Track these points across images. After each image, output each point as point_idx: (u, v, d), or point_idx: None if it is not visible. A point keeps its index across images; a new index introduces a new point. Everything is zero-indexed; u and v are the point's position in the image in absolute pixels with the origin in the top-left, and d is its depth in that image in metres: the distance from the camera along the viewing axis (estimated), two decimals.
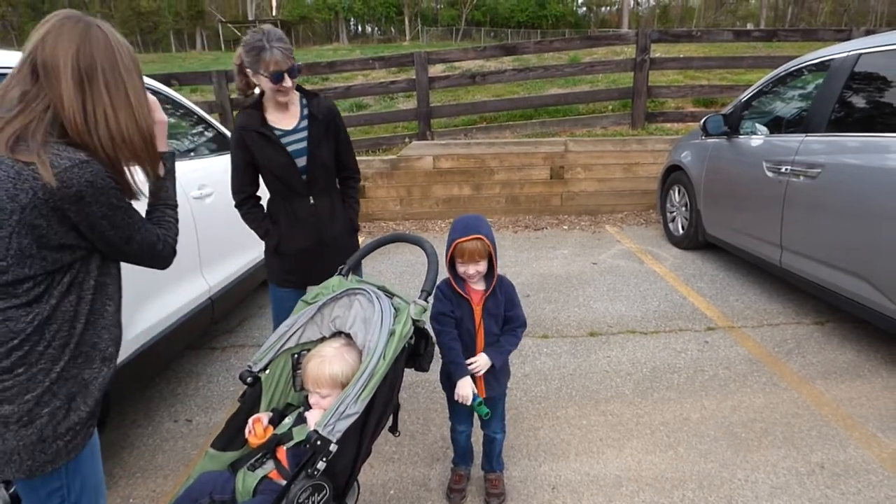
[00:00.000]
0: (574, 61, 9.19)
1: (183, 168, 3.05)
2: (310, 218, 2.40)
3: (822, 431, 2.70)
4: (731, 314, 4.12)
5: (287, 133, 2.32)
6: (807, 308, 4.15)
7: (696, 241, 5.39)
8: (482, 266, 1.98)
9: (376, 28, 51.36)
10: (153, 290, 2.67)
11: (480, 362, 2.02)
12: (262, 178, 2.40)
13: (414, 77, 7.11)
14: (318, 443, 1.40)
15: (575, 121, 7.59)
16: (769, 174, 4.10)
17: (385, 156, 6.91)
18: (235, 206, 2.43)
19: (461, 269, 1.98)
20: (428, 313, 1.71)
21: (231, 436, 1.72)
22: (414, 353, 1.66)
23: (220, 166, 3.44)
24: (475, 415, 2.12)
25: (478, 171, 6.68)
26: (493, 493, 2.29)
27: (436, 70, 7.47)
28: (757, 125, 4.58)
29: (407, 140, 7.07)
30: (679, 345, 3.67)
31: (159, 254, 1.41)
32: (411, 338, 1.62)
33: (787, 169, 3.86)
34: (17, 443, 1.21)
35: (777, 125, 4.44)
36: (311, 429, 1.55)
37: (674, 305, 4.31)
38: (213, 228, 3.26)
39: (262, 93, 2.31)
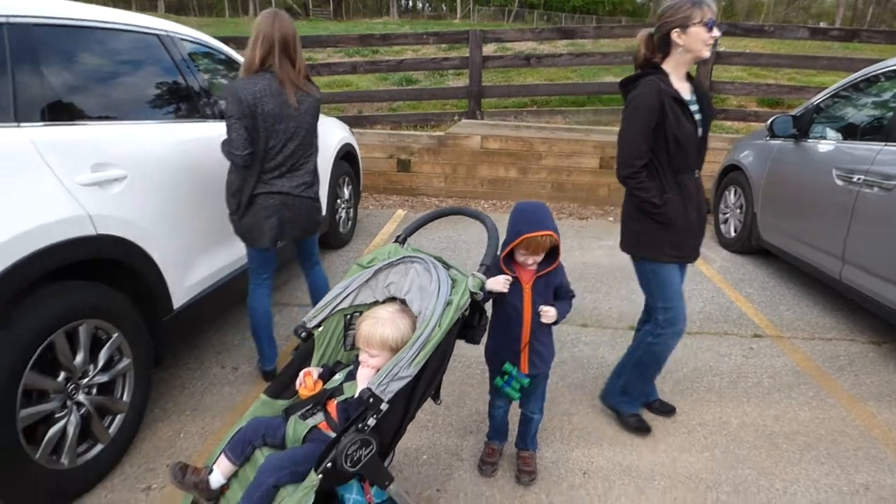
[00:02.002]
0: (632, 50, 8.95)
1: None
2: (696, 191, 2.38)
3: (869, 453, 2.61)
4: (780, 323, 4.00)
5: (689, 102, 2.27)
6: (863, 325, 3.99)
7: (748, 245, 5.23)
8: (541, 257, 2.00)
9: (427, 4, 50.86)
10: (212, 242, 2.76)
11: (549, 311, 2.03)
12: (655, 148, 2.25)
13: (467, 55, 7.04)
14: (371, 400, 1.44)
15: None
16: (838, 182, 3.91)
17: (433, 132, 6.90)
18: (627, 176, 2.29)
19: (521, 258, 1.99)
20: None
21: (283, 385, 1.79)
22: (467, 325, 1.68)
23: None
24: (522, 388, 2.12)
25: (525, 154, 6.62)
26: (525, 471, 2.31)
27: (488, 49, 7.36)
28: (828, 130, 4.38)
29: (456, 118, 7.03)
30: (723, 348, 3.59)
31: None
32: (466, 310, 1.64)
33: (859, 178, 3.68)
34: None
35: (852, 132, 4.23)
36: (361, 387, 1.61)
37: (720, 308, 4.20)
38: None
39: (660, 61, 2.28)
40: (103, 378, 2.12)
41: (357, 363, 1.75)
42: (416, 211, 6.46)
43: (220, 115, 3.01)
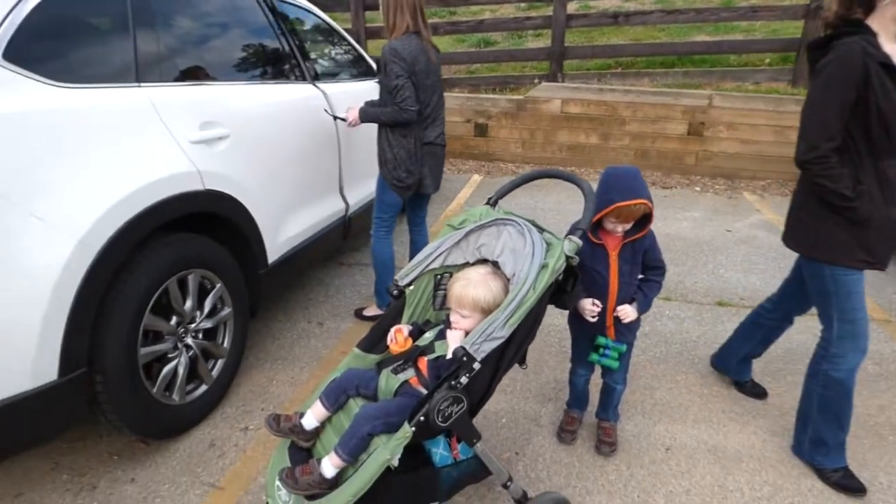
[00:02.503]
0: (728, 5, 8.25)
1: (332, 90, 3.17)
2: None
3: None
4: (890, 307, 3.70)
5: None
6: None
7: None
8: (630, 225, 1.94)
9: None
10: (303, 202, 2.86)
11: (628, 311, 2.00)
12: (850, 127, 1.84)
13: (549, 14, 6.76)
14: (465, 358, 1.47)
15: (724, 73, 6.91)
16: None
17: (511, 95, 6.74)
18: (811, 161, 1.88)
19: (609, 225, 1.93)
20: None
21: (375, 340, 1.85)
22: (560, 290, 1.66)
23: (363, 91, 3.53)
24: (620, 355, 2.12)
25: (608, 119, 6.36)
26: (606, 441, 2.29)
27: (570, 8, 7.02)
28: None
29: (536, 81, 6.82)
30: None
31: None
32: (560, 274, 1.61)
33: None
34: None
35: None
36: (452, 346, 1.63)
37: None
38: (354, 151, 3.39)
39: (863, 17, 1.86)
40: (208, 324, 2.27)
41: (447, 323, 1.77)
42: (493, 177, 6.41)
43: (315, 77, 3.08)
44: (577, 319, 2.12)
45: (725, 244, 4.65)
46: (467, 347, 1.47)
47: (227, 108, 2.34)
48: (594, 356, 2.12)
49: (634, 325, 2.12)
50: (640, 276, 2.08)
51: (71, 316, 1.64)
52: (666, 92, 6.32)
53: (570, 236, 1.60)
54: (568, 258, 1.58)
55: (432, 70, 2.79)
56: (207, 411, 2.34)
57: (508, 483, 1.76)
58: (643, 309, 2.05)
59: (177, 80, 2.16)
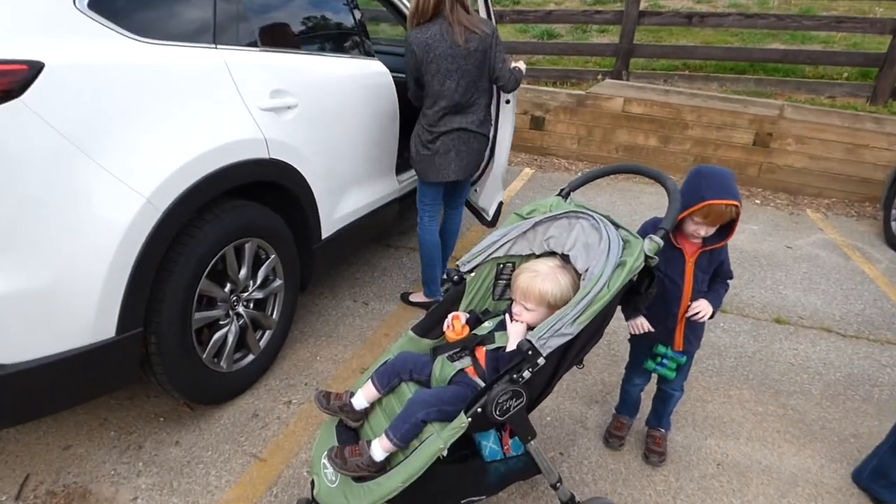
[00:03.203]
0: (808, 13, 7.86)
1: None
2: None
3: None
4: None
5: None
6: None
7: None
8: (714, 230, 1.82)
9: None
10: (360, 180, 2.83)
11: (703, 308, 1.90)
12: None
13: (619, 9, 6.55)
14: (530, 352, 1.40)
15: (798, 84, 6.58)
16: None
17: (572, 90, 6.58)
18: None
19: (692, 227, 1.81)
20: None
21: (430, 325, 1.80)
22: (632, 291, 1.57)
23: None
24: (679, 366, 2.02)
25: (670, 122, 6.14)
26: (655, 451, 2.20)
27: (642, 4, 6.76)
28: None
29: (600, 77, 6.64)
30: (885, 358, 3.18)
31: None
32: (635, 274, 1.53)
33: None
34: None
35: None
36: (513, 339, 1.57)
37: (883, 313, 3.72)
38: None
39: None
40: (259, 294, 2.27)
41: (507, 313, 1.71)
42: (545, 171, 6.28)
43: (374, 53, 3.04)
44: (638, 335, 2.01)
45: (785, 260, 4.44)
46: (534, 341, 1.40)
47: (298, 78, 2.31)
48: (650, 363, 2.02)
49: (700, 332, 2.03)
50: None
51: (132, 275, 1.63)
52: (735, 99, 6.05)
53: (651, 235, 1.51)
54: (647, 258, 1.49)
55: (459, 54, 2.61)
56: (252, 381, 2.34)
57: (558, 484, 1.70)
58: (717, 306, 1.94)
59: (251, 44, 2.14)
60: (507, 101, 3.33)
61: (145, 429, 2.11)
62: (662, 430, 2.24)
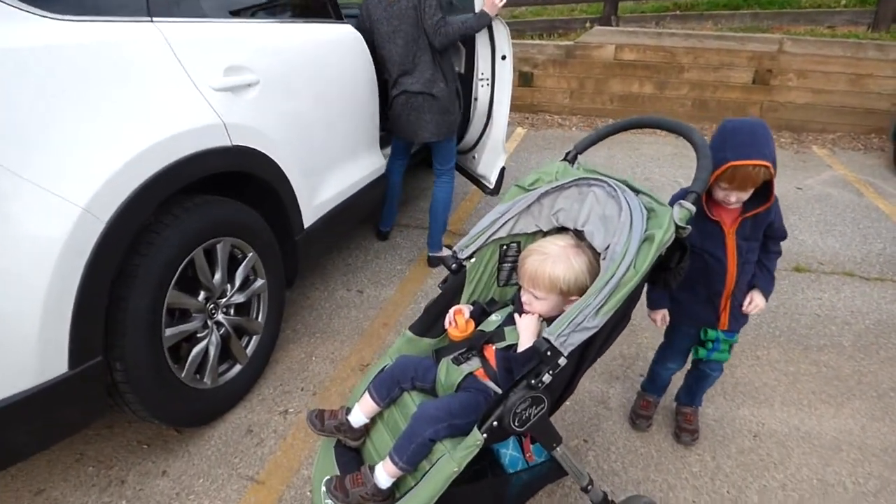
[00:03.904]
0: None
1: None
2: None
3: None
4: None
5: None
6: None
7: None
8: (748, 194, 1.54)
9: None
10: (341, 158, 2.58)
11: (757, 301, 1.70)
12: None
13: None
14: (549, 353, 1.19)
15: (796, 15, 6.26)
16: None
17: (560, 41, 6.23)
18: None
19: (721, 194, 1.55)
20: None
21: (430, 322, 1.58)
22: (661, 266, 1.34)
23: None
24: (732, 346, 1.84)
25: (665, 66, 5.82)
26: (687, 429, 2.03)
27: None
28: None
29: (588, 25, 6.30)
30: None
31: None
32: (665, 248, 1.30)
33: None
34: None
35: None
36: (525, 334, 1.36)
37: None
38: None
39: None
40: (240, 298, 2.05)
41: (516, 303, 1.50)
42: (538, 130, 5.99)
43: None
44: (679, 307, 1.79)
45: (797, 203, 4.23)
46: (552, 339, 1.18)
47: (257, 50, 2.03)
48: (702, 351, 1.82)
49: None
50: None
51: (79, 299, 1.39)
52: (731, 36, 5.73)
53: (681, 201, 1.27)
54: (678, 228, 1.26)
55: (393, 15, 2.66)
56: (243, 393, 2.14)
57: (589, 487, 1.51)
58: (770, 290, 1.73)
59: (196, 15, 1.85)
60: (504, 58, 3.05)
61: (128, 460, 1.90)
62: (694, 406, 2.06)
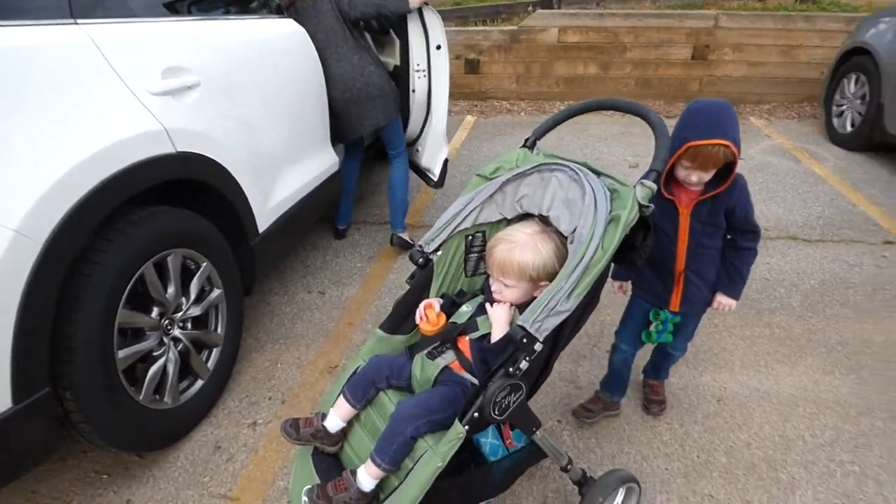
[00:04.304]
0: None
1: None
2: None
3: None
4: None
5: None
6: None
7: (868, 140, 4.60)
8: (710, 175, 1.54)
9: None
10: (292, 158, 2.50)
11: (724, 303, 1.72)
12: None
13: None
14: (524, 340, 1.18)
15: None
16: None
17: (504, 26, 6.24)
18: None
19: (683, 173, 1.54)
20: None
21: (400, 319, 1.56)
22: (626, 245, 1.35)
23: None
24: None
25: (608, 47, 5.92)
26: (655, 400, 2.08)
27: None
28: None
29: (530, 9, 6.32)
30: (851, 258, 3.18)
31: None
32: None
33: None
34: None
35: None
36: (498, 322, 1.36)
37: (841, 212, 3.73)
38: None
39: None
40: (196, 311, 1.96)
41: (486, 293, 1.49)
42: (487, 117, 5.99)
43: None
44: (641, 278, 1.79)
45: (740, 173, 4.38)
46: (527, 326, 1.18)
47: (196, 49, 1.93)
48: (654, 335, 1.80)
49: (705, 294, 1.76)
50: (720, 246, 1.70)
51: (18, 329, 1.29)
52: (669, 14, 5.89)
53: (642, 181, 1.29)
54: (641, 207, 1.27)
55: (310, 11, 2.70)
56: (208, 409, 2.06)
57: (568, 466, 1.53)
58: (740, 291, 1.72)
59: (125, 14, 1.75)
60: (438, 47, 3.03)
61: (87, 492, 1.79)
62: (660, 379, 2.11)
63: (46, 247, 1.32)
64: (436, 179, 3.28)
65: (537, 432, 1.40)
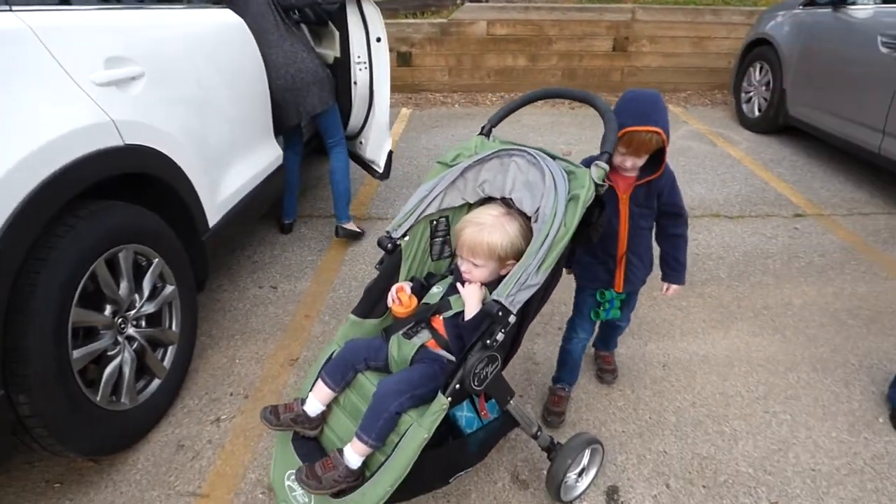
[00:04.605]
0: None
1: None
2: None
3: None
4: (818, 201, 3.89)
5: None
6: None
7: (774, 123, 5.02)
8: (643, 160, 1.65)
9: None
10: (239, 151, 2.45)
11: (672, 289, 1.86)
12: None
13: None
14: (500, 313, 1.25)
15: None
16: (884, 50, 3.67)
17: (434, 19, 6.30)
18: None
19: (618, 159, 1.63)
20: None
21: (372, 303, 1.59)
22: (583, 223, 1.44)
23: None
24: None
25: (535, 39, 6.11)
26: (607, 370, 2.22)
27: None
28: None
29: (459, 2, 6.41)
30: (768, 230, 3.48)
31: None
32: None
33: None
34: None
35: None
36: (471, 300, 1.42)
37: (756, 190, 4.06)
38: None
39: None
40: (150, 308, 1.89)
41: (454, 274, 1.54)
42: (422, 109, 6.03)
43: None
44: (583, 270, 1.87)
45: None
46: (502, 300, 1.25)
47: (137, 39, 1.85)
48: (602, 313, 1.87)
49: (646, 271, 1.88)
50: (651, 227, 1.80)
51: None
52: (590, 8, 6.14)
53: (596, 161, 1.38)
54: (597, 186, 1.37)
55: (249, 11, 2.62)
56: (165, 409, 1.99)
57: (538, 433, 1.62)
58: (683, 276, 1.85)
59: (60, 2, 1.66)
60: (378, 40, 3.05)
61: None
62: (610, 350, 2.24)
63: None
64: (381, 171, 3.29)
65: (510, 401, 1.48)
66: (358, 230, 3.18)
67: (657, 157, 1.65)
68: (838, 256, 3.19)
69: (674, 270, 1.86)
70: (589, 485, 1.74)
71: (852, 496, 1.76)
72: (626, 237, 1.76)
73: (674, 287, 1.89)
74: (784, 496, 1.75)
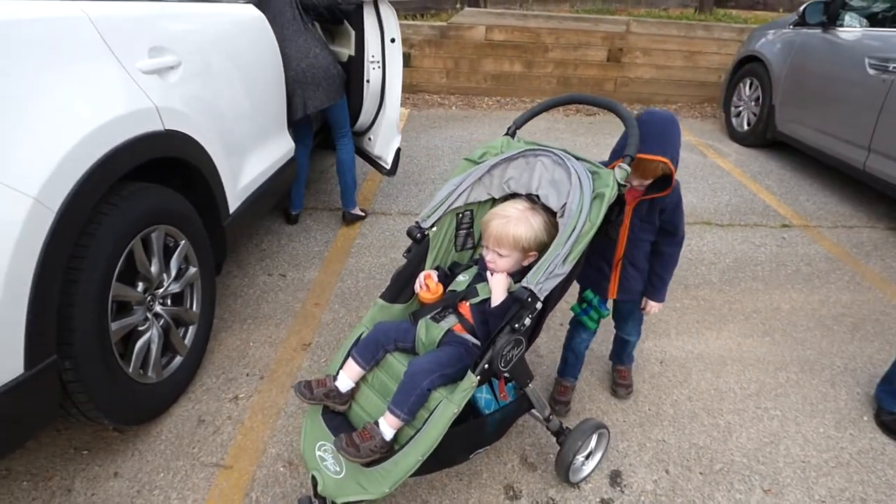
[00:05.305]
0: None
1: None
2: None
3: None
4: (804, 213, 4.06)
5: None
6: (879, 213, 4.09)
7: (762, 138, 5.19)
8: (649, 181, 1.68)
9: None
10: (254, 144, 2.51)
11: (653, 307, 1.90)
12: None
13: None
14: (529, 299, 1.35)
15: None
16: (871, 71, 3.85)
17: (433, 22, 6.39)
18: None
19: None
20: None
21: (399, 289, 1.68)
22: (605, 220, 1.54)
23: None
24: (600, 320, 1.89)
25: (532, 46, 6.24)
26: (622, 384, 2.23)
27: None
28: (860, 18, 4.22)
29: (458, 6, 6.52)
30: (757, 239, 3.64)
31: None
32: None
33: (895, 67, 3.61)
34: None
35: (886, 19, 4.10)
36: (497, 288, 1.51)
37: (745, 201, 4.22)
38: None
39: None
40: (176, 288, 1.96)
41: (480, 264, 1.64)
42: (420, 109, 6.12)
43: None
44: (582, 272, 1.87)
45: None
46: (532, 287, 1.34)
47: (174, 31, 1.92)
48: (576, 307, 1.90)
49: (642, 282, 1.90)
50: (652, 241, 1.83)
51: (34, 293, 1.29)
52: (586, 18, 6.28)
53: (619, 164, 1.49)
54: (620, 186, 1.47)
55: (275, 9, 2.73)
56: (185, 386, 2.05)
57: (550, 417, 1.72)
58: (663, 294, 1.90)
59: None
60: (393, 40, 3.14)
61: (68, 468, 1.76)
62: (626, 365, 2.25)
63: (60, 215, 1.32)
64: (388, 167, 3.38)
65: (530, 384, 1.57)
66: (362, 213, 3.43)
67: (665, 179, 1.68)
68: (824, 266, 3.34)
69: (653, 286, 1.88)
70: (595, 467, 1.85)
71: (839, 486, 1.88)
72: (623, 244, 1.82)
73: (652, 303, 1.91)
74: (776, 484, 1.87)
